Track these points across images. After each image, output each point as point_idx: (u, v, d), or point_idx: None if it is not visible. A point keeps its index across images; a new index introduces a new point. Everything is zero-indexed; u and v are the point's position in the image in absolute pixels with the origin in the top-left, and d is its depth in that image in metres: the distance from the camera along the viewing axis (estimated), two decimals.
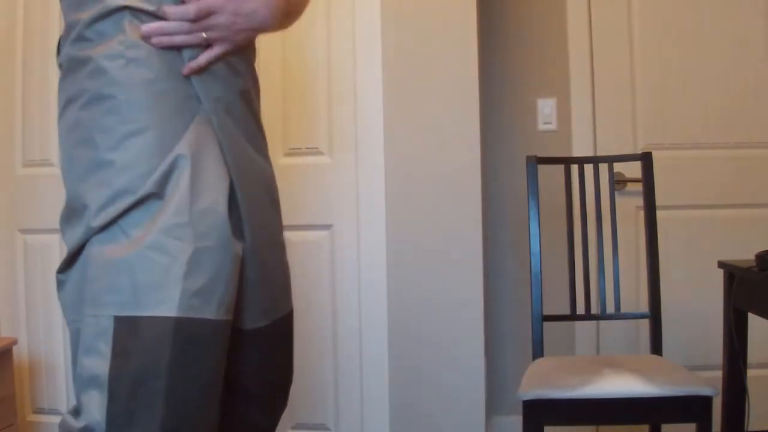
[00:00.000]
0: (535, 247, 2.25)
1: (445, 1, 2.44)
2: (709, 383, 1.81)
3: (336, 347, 2.49)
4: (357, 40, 2.47)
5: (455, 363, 2.46)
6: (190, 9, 1.14)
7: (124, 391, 1.01)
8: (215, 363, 1.08)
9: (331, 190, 2.49)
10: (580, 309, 2.31)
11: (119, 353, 1.02)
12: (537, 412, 1.84)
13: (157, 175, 1.07)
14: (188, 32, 1.15)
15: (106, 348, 1.03)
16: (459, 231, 2.45)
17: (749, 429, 2.14)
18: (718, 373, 2.18)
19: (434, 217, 2.46)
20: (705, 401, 1.79)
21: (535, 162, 2.29)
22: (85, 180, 1.11)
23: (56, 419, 2.62)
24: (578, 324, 2.72)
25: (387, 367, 2.47)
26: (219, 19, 1.17)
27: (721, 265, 2.14)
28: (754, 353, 2.33)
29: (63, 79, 1.19)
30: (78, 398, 1.05)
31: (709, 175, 2.72)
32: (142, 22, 1.13)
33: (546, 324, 2.26)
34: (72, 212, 1.14)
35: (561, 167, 2.36)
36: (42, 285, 2.61)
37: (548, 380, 1.88)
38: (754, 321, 2.14)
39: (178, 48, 1.15)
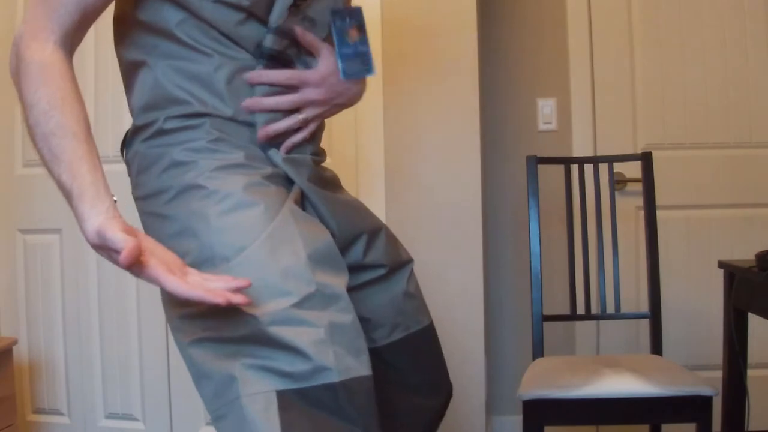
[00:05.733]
0: (535, 247, 2.25)
1: (445, 1, 2.44)
2: (709, 383, 1.81)
3: None
4: None
5: (455, 363, 2.45)
6: (285, 75, 1.16)
7: None
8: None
9: None
10: (580, 309, 2.31)
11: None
12: (537, 412, 1.84)
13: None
14: (287, 108, 1.17)
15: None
16: (459, 231, 2.45)
17: (749, 429, 2.14)
18: (718, 373, 2.18)
19: (434, 217, 2.46)
20: (705, 401, 1.79)
21: (535, 162, 2.29)
22: (199, 269, 1.04)
23: (56, 419, 2.62)
24: (578, 324, 2.72)
25: None
26: (313, 94, 1.20)
27: (721, 265, 2.14)
28: (754, 353, 2.33)
29: (137, 176, 1.16)
30: None
31: (709, 175, 2.72)
32: (221, 126, 1.12)
33: (546, 324, 2.27)
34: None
35: (561, 167, 2.36)
36: (42, 285, 2.61)
37: (548, 380, 1.89)
38: (754, 321, 2.14)
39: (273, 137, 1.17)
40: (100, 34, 2.52)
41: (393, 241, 1.38)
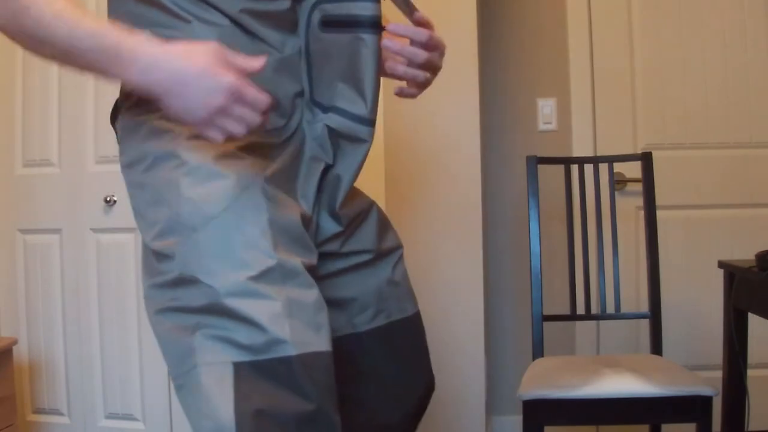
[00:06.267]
0: (535, 247, 2.25)
1: (445, 1, 2.44)
2: (709, 383, 1.81)
3: None
4: None
5: (455, 363, 2.46)
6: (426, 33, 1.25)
7: None
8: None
9: None
10: (580, 309, 2.31)
11: (241, 398, 1.00)
12: (537, 412, 1.84)
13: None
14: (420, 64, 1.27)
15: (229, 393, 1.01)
16: (459, 231, 2.45)
17: (749, 429, 2.14)
18: (718, 373, 2.18)
19: (434, 217, 2.46)
20: (705, 401, 1.79)
21: (535, 162, 2.29)
22: (166, 238, 1.08)
23: (56, 419, 2.62)
24: (578, 324, 2.72)
25: None
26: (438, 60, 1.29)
27: (721, 265, 2.14)
28: (754, 353, 2.33)
29: (121, 143, 1.18)
30: None
31: (709, 175, 2.72)
32: None
33: (546, 324, 2.27)
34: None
35: (561, 167, 2.36)
36: (42, 285, 2.61)
37: (548, 380, 1.88)
38: (754, 321, 2.14)
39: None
40: None
41: (383, 224, 1.37)
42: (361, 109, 1.20)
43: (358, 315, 1.29)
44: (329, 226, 1.25)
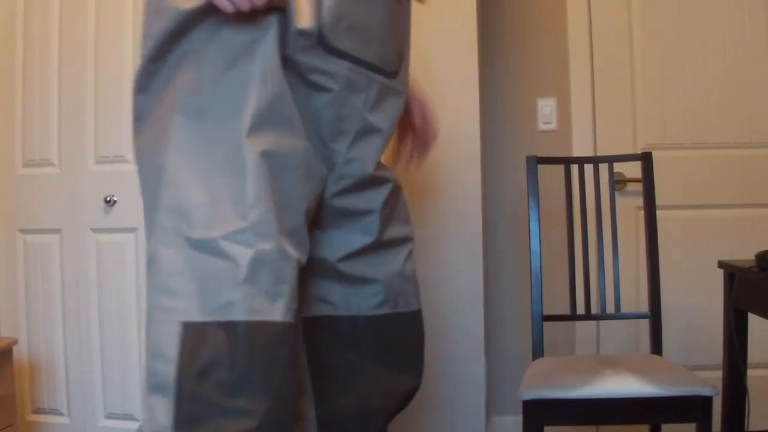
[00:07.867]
0: (535, 247, 2.25)
1: (445, 1, 2.44)
2: (709, 383, 1.81)
3: None
4: None
5: (455, 363, 2.46)
6: None
7: (188, 396, 1.00)
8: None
9: None
10: (580, 309, 2.31)
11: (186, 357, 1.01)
12: (537, 412, 1.84)
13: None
14: None
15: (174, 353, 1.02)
16: (459, 231, 2.45)
17: (749, 429, 2.14)
18: (718, 373, 2.18)
19: (434, 217, 2.46)
20: (705, 401, 1.79)
21: (535, 162, 2.29)
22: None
23: (56, 419, 2.62)
24: (578, 324, 2.72)
25: None
26: None
27: (721, 265, 2.14)
28: (754, 353, 2.33)
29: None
30: (144, 402, 1.05)
31: (709, 175, 2.72)
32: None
33: (546, 324, 2.27)
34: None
35: (561, 167, 2.36)
36: (42, 285, 2.61)
37: (548, 380, 1.88)
38: (754, 321, 2.14)
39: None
40: (100, 44, 2.53)
41: (402, 210, 1.38)
42: (396, 66, 1.28)
43: (367, 299, 1.30)
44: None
